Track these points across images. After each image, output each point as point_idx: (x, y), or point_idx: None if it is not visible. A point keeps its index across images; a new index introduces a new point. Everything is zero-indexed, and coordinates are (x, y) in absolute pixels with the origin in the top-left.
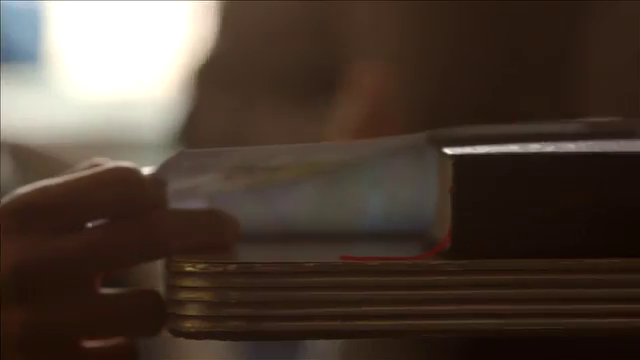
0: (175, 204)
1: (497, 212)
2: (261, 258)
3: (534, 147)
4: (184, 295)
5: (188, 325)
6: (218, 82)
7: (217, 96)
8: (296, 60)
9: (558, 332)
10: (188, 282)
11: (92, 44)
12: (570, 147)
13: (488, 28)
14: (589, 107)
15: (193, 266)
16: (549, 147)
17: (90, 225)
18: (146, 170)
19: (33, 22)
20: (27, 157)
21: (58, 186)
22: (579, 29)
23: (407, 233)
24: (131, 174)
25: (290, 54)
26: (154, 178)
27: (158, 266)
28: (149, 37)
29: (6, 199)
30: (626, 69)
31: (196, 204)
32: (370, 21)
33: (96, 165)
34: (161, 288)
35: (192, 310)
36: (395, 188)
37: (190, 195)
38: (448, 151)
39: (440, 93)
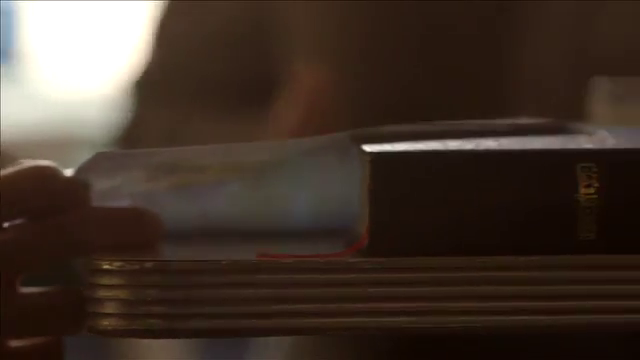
0: (97, 204)
1: (414, 210)
2: (182, 256)
3: (453, 145)
4: (102, 293)
5: (105, 323)
6: (157, 89)
7: (157, 102)
8: (234, 65)
9: (475, 330)
10: (105, 280)
11: (52, 43)
12: (490, 144)
13: (421, 28)
14: (515, 107)
15: (110, 264)
16: (468, 144)
17: (7, 225)
18: (66, 171)
19: None
20: None
21: None
22: (504, 28)
23: (335, 230)
24: (48, 172)
25: (227, 59)
26: (73, 177)
27: None
28: (109, 36)
29: None
30: (551, 69)
31: (119, 204)
32: (306, 22)
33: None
34: None
35: (109, 308)
36: (321, 186)
37: (112, 195)
38: (366, 148)
39: (376, 92)
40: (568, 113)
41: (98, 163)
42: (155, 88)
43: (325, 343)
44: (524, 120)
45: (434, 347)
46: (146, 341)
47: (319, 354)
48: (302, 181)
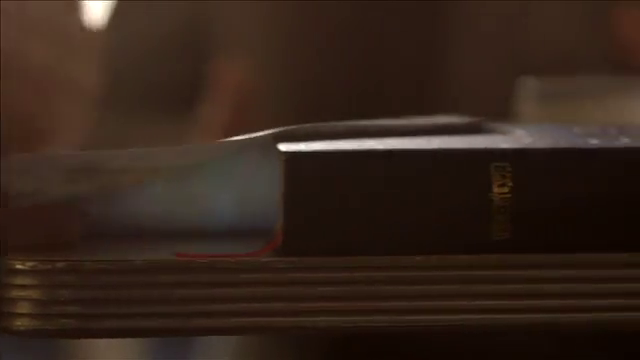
0: (16, 205)
1: (329, 209)
2: (97, 256)
3: (368, 144)
4: (15, 293)
5: (18, 323)
6: (102, 92)
7: (102, 105)
8: (174, 68)
9: (391, 329)
10: (18, 280)
11: None
12: (405, 144)
13: (352, 28)
14: (446, 106)
15: (22, 264)
16: (384, 144)
17: None
18: None
19: None
20: None
21: None
22: (439, 29)
23: (259, 230)
24: None
25: (168, 63)
26: None
27: None
28: None
29: None
30: (482, 69)
31: (38, 205)
32: (239, 23)
33: None
34: None
35: (23, 308)
36: (245, 186)
37: (32, 197)
38: (282, 148)
39: (307, 92)
40: (500, 112)
41: (18, 165)
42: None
43: (271, 343)
44: (442, 119)
45: (373, 348)
46: (96, 341)
47: (265, 354)
48: (226, 181)
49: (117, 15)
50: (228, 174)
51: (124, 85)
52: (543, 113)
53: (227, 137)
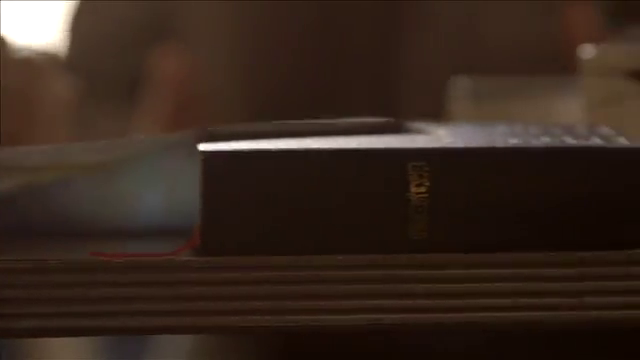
0: None
1: (246, 209)
2: (18, 255)
3: (287, 144)
4: None
5: None
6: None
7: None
8: (131, 63)
9: (305, 328)
10: None
11: None
12: (323, 144)
13: (311, 27)
14: (401, 103)
15: None
16: (303, 144)
17: None
18: None
19: None
20: None
21: None
22: (397, 29)
23: (188, 229)
24: None
25: (126, 58)
26: None
27: None
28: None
29: None
30: (436, 67)
31: None
32: (200, 19)
33: None
34: None
35: None
36: (173, 185)
37: None
38: (201, 147)
39: (262, 88)
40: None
41: None
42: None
43: (226, 343)
44: (366, 120)
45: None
46: (51, 340)
47: (221, 353)
48: (153, 180)
49: (81, 10)
50: (155, 173)
51: (83, 77)
52: (475, 112)
53: (167, 132)
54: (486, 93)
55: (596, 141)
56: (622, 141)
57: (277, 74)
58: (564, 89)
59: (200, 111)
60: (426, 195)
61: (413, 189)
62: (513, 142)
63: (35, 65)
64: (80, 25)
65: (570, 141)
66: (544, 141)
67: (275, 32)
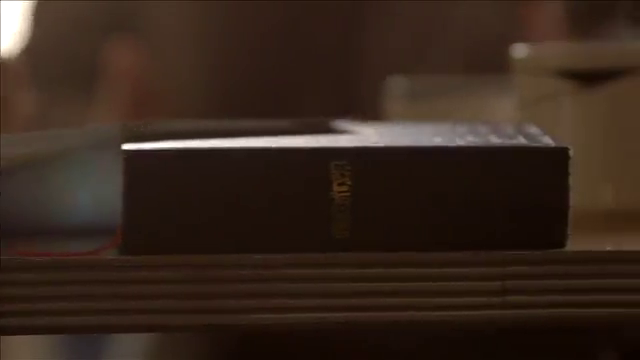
0: None
1: (167, 208)
2: None
3: (211, 143)
4: None
5: None
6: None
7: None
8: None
9: (228, 327)
10: None
11: None
12: (248, 143)
13: (275, 27)
14: (364, 94)
15: None
16: (226, 143)
17: None
18: None
19: None
20: None
21: None
22: (358, 28)
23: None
24: None
25: (91, 46)
26: None
27: None
28: None
29: None
30: (399, 57)
31: None
32: (166, 17)
33: None
34: None
35: None
36: (102, 181)
37: None
38: (124, 146)
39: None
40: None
41: None
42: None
43: (180, 342)
44: (294, 120)
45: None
46: (4, 339)
47: (175, 352)
48: (83, 177)
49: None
50: (85, 169)
51: (45, 66)
52: (412, 111)
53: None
54: (423, 92)
55: (521, 140)
56: (547, 140)
57: (241, 73)
58: (500, 88)
59: (158, 107)
60: (348, 194)
61: (335, 188)
62: (437, 141)
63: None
64: (42, 12)
65: (494, 140)
66: (468, 140)
67: (239, 32)
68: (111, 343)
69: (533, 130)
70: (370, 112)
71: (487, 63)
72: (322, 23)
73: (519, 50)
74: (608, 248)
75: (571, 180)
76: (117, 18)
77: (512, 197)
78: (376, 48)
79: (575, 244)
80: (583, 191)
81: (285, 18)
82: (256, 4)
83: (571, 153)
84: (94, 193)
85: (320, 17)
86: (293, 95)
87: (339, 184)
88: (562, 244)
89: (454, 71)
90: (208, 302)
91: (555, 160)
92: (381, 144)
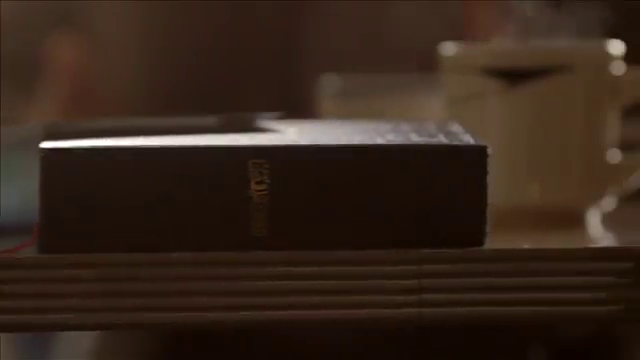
0: None
1: (85, 206)
2: None
3: (128, 142)
4: None
5: None
6: None
7: None
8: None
9: (138, 326)
10: None
11: None
12: (166, 141)
13: (218, 27)
14: (306, 104)
15: None
16: (144, 141)
17: None
18: None
19: None
20: None
21: None
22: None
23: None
24: None
25: (30, 46)
26: None
27: None
28: None
29: None
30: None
31: None
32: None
33: None
34: None
35: None
36: (26, 179)
37: None
38: (41, 144)
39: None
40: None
41: None
42: None
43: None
44: (217, 116)
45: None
46: None
47: (123, 350)
48: (11, 175)
49: None
50: (13, 168)
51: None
52: (343, 110)
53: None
54: (355, 91)
55: (441, 139)
56: (467, 139)
57: (182, 72)
58: (430, 86)
59: (98, 105)
60: (266, 192)
61: (254, 186)
62: (356, 140)
63: None
64: None
65: (415, 138)
66: (388, 138)
67: (182, 31)
68: (57, 342)
69: (455, 128)
70: (308, 110)
71: (426, 62)
72: (263, 23)
73: (447, 49)
74: (526, 246)
75: (490, 178)
76: (59, 17)
77: (430, 195)
78: (316, 47)
79: (499, 242)
80: (509, 189)
81: (226, 18)
82: (198, 4)
83: (490, 151)
84: (18, 192)
85: (261, 17)
86: (235, 94)
87: (257, 182)
88: (481, 242)
89: (393, 70)
90: (125, 300)
91: (473, 158)
92: (300, 142)
